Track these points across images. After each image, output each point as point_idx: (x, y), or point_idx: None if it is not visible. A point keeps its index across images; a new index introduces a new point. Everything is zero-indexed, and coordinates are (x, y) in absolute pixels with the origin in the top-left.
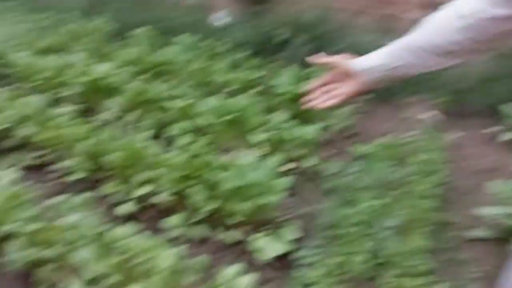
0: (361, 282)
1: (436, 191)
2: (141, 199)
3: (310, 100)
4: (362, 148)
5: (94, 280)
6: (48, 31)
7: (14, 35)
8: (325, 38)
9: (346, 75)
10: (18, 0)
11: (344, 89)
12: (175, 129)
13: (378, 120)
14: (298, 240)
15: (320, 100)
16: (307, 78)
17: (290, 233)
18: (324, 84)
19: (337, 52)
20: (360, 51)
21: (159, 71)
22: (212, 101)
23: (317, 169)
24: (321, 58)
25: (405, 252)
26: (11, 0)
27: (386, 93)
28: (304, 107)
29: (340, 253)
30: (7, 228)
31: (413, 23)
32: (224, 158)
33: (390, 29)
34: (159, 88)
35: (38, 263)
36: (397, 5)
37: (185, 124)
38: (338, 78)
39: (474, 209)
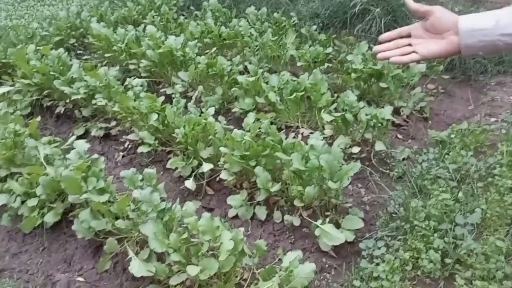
0: (428, 283)
1: None
2: (204, 175)
3: (383, 51)
4: (437, 134)
5: (157, 255)
6: (118, 4)
7: (86, 8)
8: (402, 10)
9: (438, 30)
10: None
11: (430, 46)
12: (241, 105)
13: (457, 103)
14: (361, 230)
15: (396, 53)
16: None
17: (354, 221)
18: (405, 36)
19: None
20: None
21: (226, 45)
22: (280, 77)
23: (386, 154)
24: (419, 5)
25: (480, 253)
26: None
27: (467, 71)
28: (377, 58)
29: (406, 248)
30: (76, 197)
31: None
32: (288, 138)
33: (479, 0)
34: (226, 62)
35: (105, 233)
36: None
37: (251, 101)
38: (425, 32)
39: None
